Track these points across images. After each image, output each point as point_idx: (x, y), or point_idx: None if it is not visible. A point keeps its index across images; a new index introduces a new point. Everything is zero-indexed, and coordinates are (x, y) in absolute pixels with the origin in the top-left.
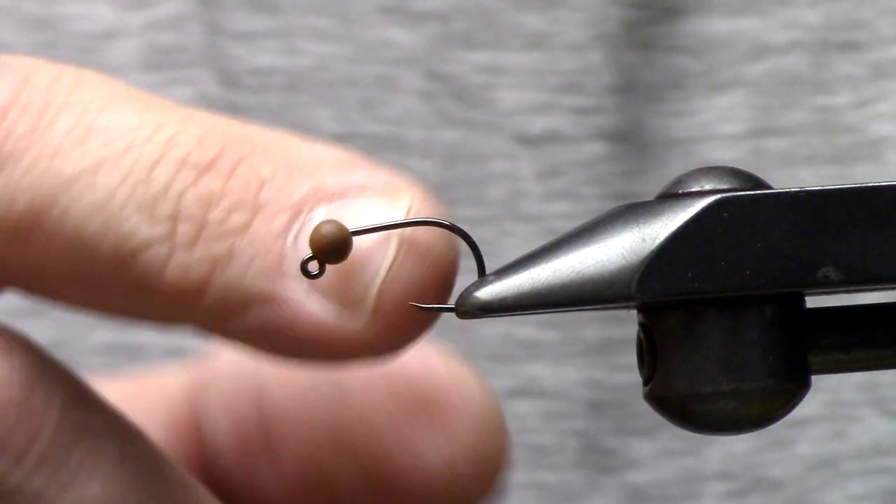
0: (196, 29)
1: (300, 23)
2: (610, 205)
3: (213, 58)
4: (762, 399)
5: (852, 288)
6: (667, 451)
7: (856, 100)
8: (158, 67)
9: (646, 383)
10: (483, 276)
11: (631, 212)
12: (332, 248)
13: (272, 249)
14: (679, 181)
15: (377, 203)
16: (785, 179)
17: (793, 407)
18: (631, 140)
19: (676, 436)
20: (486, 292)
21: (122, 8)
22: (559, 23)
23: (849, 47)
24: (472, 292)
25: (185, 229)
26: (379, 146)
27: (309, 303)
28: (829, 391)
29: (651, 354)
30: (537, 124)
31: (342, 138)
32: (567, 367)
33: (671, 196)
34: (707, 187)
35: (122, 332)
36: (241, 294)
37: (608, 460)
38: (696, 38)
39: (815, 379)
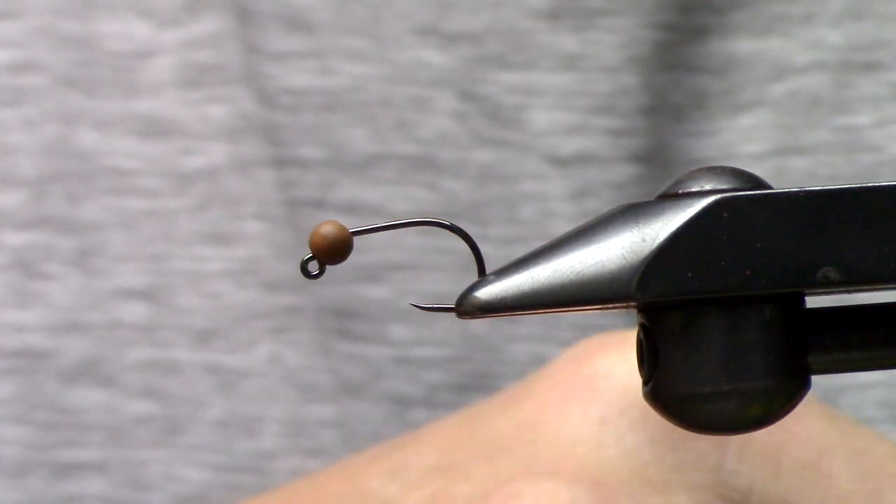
0: (233, 47)
1: (335, 43)
2: None
3: (250, 76)
4: (762, 399)
5: (852, 288)
6: None
7: (877, 119)
8: (195, 85)
9: (646, 383)
10: (483, 276)
11: (631, 212)
12: (332, 248)
13: None
14: (679, 181)
15: None
16: None
17: (793, 407)
18: (658, 161)
19: None
20: (486, 292)
21: (158, 26)
22: (593, 44)
23: (870, 68)
24: (472, 292)
25: None
26: (412, 166)
27: None
28: (850, 408)
29: (651, 354)
30: (569, 145)
31: (376, 158)
32: None
33: (671, 196)
34: (707, 187)
35: (158, 348)
36: None
37: None
38: (719, 58)
39: (836, 396)
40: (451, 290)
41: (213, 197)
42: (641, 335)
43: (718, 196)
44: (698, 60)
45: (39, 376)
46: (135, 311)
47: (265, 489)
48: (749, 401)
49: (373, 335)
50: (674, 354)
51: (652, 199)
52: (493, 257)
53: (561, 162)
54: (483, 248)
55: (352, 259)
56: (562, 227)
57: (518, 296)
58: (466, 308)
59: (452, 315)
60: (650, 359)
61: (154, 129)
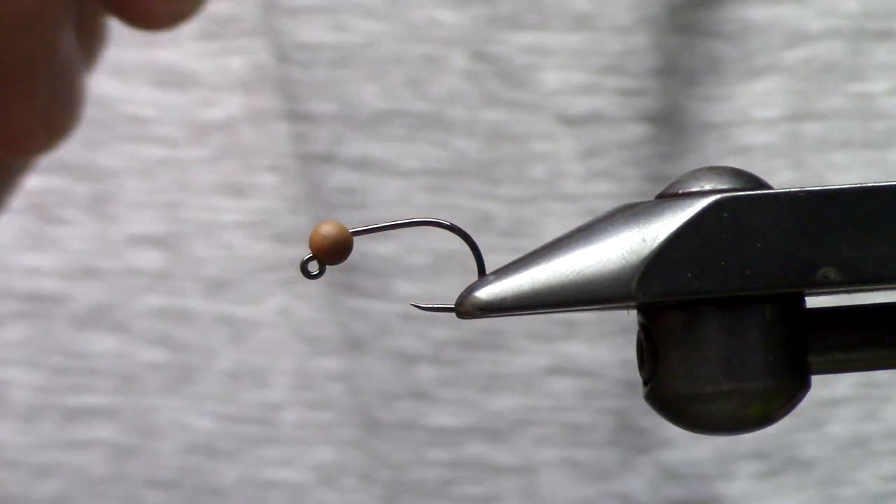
0: (251, 1)
1: (350, 0)
2: (650, 186)
3: (266, 30)
4: (762, 399)
5: (852, 288)
6: None
7: (891, 87)
8: (214, 37)
9: (646, 383)
10: (483, 275)
11: (631, 212)
12: (333, 248)
13: None
14: (679, 181)
15: None
16: (820, 164)
17: (793, 407)
18: (670, 123)
19: None
20: (486, 292)
21: None
22: (605, 5)
23: (885, 35)
24: (472, 292)
25: None
26: (423, 124)
27: None
28: (861, 373)
29: (651, 354)
30: (580, 105)
31: (387, 115)
32: (603, 347)
33: (671, 196)
34: (707, 187)
35: (170, 297)
36: None
37: (642, 439)
38: (734, 23)
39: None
40: (459, 248)
41: (228, 148)
42: (641, 335)
43: (718, 196)
44: (713, 25)
45: (52, 321)
46: (148, 259)
47: (272, 441)
48: (749, 401)
49: (379, 291)
50: (674, 354)
51: (652, 199)
52: (504, 217)
53: (571, 121)
54: (493, 206)
55: (359, 216)
56: (572, 187)
57: (518, 296)
58: (466, 308)
59: (459, 272)
60: (650, 359)
61: (172, 79)
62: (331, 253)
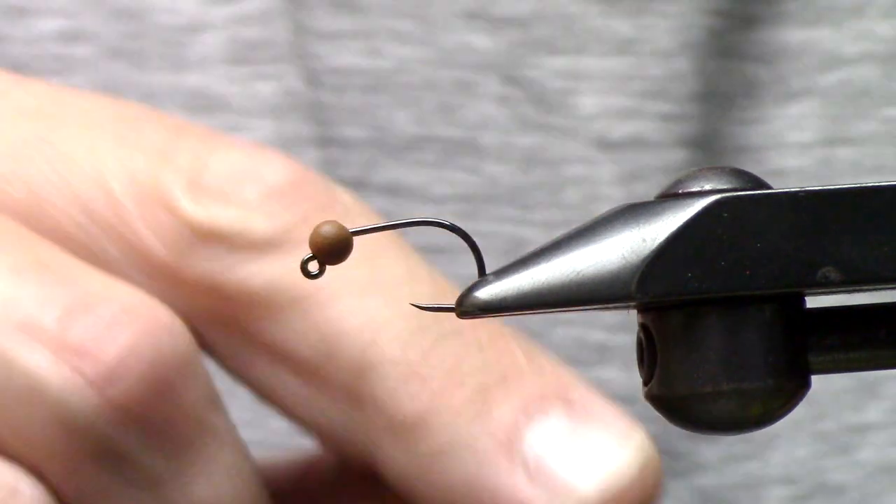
0: (282, 25)
1: (382, 24)
2: None
3: (298, 55)
4: (762, 399)
5: (852, 288)
6: (731, 454)
7: None
8: (243, 62)
9: (646, 383)
10: (483, 275)
11: (631, 212)
12: (333, 248)
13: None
14: (679, 181)
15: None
16: None
17: (793, 407)
18: (708, 147)
19: (741, 439)
20: (486, 292)
21: (208, 1)
22: (647, 29)
23: None
24: (472, 292)
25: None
26: (455, 150)
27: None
28: (891, 398)
29: (651, 354)
30: (619, 129)
31: (419, 140)
32: (637, 371)
33: (671, 196)
34: (707, 187)
35: None
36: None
37: (677, 463)
38: (769, 46)
39: (877, 386)
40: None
41: None
42: (641, 335)
43: (718, 196)
44: (749, 48)
45: None
46: None
47: None
48: (749, 401)
49: None
50: (674, 354)
51: (652, 198)
52: (537, 241)
53: (610, 146)
54: (527, 232)
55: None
56: None
57: (518, 296)
58: (467, 308)
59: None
60: (650, 359)
61: (201, 103)
62: (331, 253)
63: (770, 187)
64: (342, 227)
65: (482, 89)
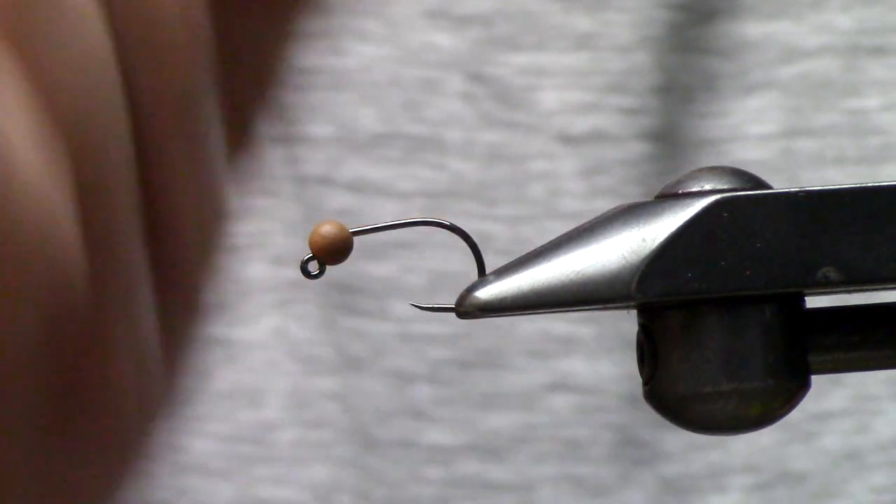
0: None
1: (346, 24)
2: None
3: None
4: (762, 399)
5: (852, 288)
6: (695, 443)
7: (885, 102)
8: None
9: (646, 383)
10: (483, 275)
11: (631, 212)
12: (332, 248)
13: None
14: (679, 181)
15: None
16: (814, 180)
17: (793, 407)
18: (669, 140)
19: None
20: (486, 292)
21: None
22: (606, 24)
23: (880, 51)
24: (472, 292)
25: None
26: (420, 146)
27: None
28: (853, 386)
29: (651, 354)
30: (581, 124)
31: (384, 137)
32: (603, 362)
33: (671, 196)
34: (707, 187)
35: None
36: None
37: (642, 453)
38: (729, 40)
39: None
40: (453, 269)
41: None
42: (641, 335)
43: (718, 196)
44: (709, 42)
45: None
46: None
47: (268, 460)
48: (749, 401)
49: (376, 311)
50: (674, 354)
51: (651, 198)
52: (502, 237)
53: (572, 140)
54: (491, 227)
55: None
56: (573, 205)
57: (518, 296)
58: (466, 308)
59: (455, 292)
60: (650, 359)
61: None
62: (331, 253)
63: (770, 187)
64: (342, 227)
65: (446, 87)
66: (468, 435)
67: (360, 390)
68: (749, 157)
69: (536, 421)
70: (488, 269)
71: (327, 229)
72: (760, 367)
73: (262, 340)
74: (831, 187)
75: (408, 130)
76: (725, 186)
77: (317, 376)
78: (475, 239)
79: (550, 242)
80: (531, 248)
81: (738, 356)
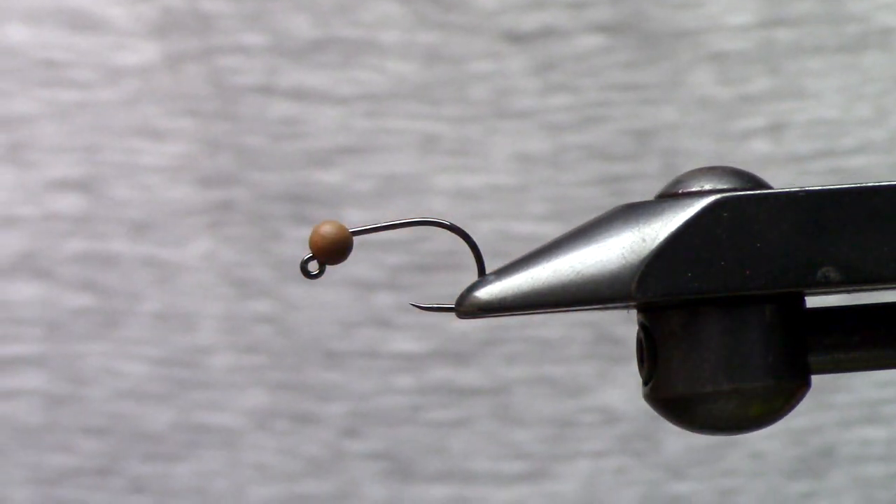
0: None
1: None
2: (610, 95)
3: None
4: (763, 399)
5: (852, 288)
6: None
7: None
8: None
9: (646, 383)
10: (483, 275)
11: (631, 212)
12: (332, 247)
13: None
14: (679, 181)
15: None
16: (796, 70)
17: (793, 406)
18: (631, 31)
19: None
20: (486, 292)
21: None
22: None
23: None
24: (472, 292)
25: None
26: (356, 50)
27: None
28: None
29: (651, 354)
30: (527, 21)
31: (320, 43)
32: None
33: (671, 196)
34: (707, 187)
35: (94, 240)
36: None
37: (620, 349)
38: None
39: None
40: (406, 171)
41: (144, 92)
42: (641, 335)
43: (718, 196)
44: None
45: None
46: (69, 203)
47: (203, 385)
48: (749, 401)
49: (329, 218)
50: (674, 354)
51: (652, 198)
52: (449, 137)
53: (519, 38)
54: (436, 127)
55: (301, 145)
56: (525, 103)
57: (518, 295)
58: (467, 308)
59: (412, 197)
60: (650, 359)
61: (84, 22)
62: (330, 253)
63: (770, 187)
64: (342, 227)
65: None
66: (434, 341)
67: (318, 303)
68: (728, 47)
69: (506, 321)
70: (435, 171)
71: (327, 229)
72: (760, 366)
73: (192, 263)
74: (831, 187)
75: (343, 34)
76: (725, 186)
77: (250, 299)
78: (423, 140)
79: (550, 242)
80: (479, 147)
81: (739, 356)
